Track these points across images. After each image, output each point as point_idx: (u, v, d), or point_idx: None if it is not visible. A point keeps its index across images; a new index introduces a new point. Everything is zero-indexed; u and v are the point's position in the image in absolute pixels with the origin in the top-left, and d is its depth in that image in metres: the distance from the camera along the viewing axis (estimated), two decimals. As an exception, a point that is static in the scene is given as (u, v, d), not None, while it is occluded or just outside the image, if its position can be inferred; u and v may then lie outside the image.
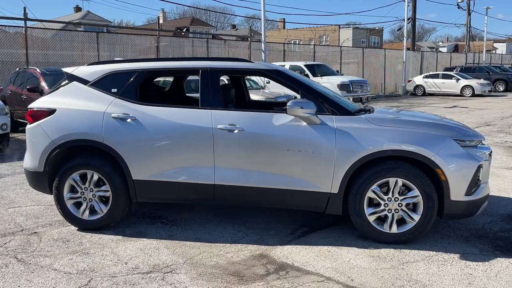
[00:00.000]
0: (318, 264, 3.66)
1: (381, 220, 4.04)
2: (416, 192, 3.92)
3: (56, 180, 4.37)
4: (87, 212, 4.39)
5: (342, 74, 19.30)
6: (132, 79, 4.39)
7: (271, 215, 4.78)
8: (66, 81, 4.53)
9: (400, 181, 3.93)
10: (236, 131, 4.10)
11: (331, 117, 4.07)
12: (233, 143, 4.12)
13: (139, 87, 4.41)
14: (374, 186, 3.97)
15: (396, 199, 3.96)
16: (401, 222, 4.01)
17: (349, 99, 15.01)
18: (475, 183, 3.95)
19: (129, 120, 4.24)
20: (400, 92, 27.85)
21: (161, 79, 9.01)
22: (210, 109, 4.21)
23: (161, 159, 4.23)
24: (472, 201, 3.95)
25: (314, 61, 21.84)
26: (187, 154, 4.19)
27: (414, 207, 3.99)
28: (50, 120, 4.38)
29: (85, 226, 4.42)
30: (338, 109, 4.11)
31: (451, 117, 5.46)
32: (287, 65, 16.51)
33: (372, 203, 4.04)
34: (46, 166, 4.39)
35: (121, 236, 4.26)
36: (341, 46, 27.03)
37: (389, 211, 3.99)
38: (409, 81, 27.00)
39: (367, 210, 4.01)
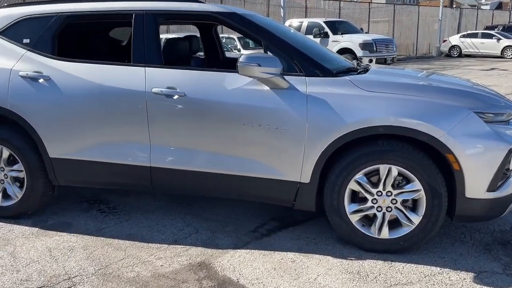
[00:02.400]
0: (272, 283, 2.66)
1: (368, 220, 2.98)
2: (416, 185, 2.81)
3: (-39, 156, 3.49)
4: (1, 194, 3.50)
5: (367, 33, 17.64)
6: (47, 26, 3.36)
7: (238, 203, 3.78)
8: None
9: (395, 170, 2.82)
10: (176, 96, 3.05)
11: (304, 78, 2.95)
12: (173, 114, 3.08)
13: (58, 37, 3.38)
14: (358, 175, 2.88)
15: (389, 194, 2.87)
16: (394, 224, 2.93)
17: (371, 60, 13.76)
18: (502, 175, 2.80)
19: (41, 80, 3.25)
20: (433, 53, 25.80)
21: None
22: (144, 66, 3.16)
23: (83, 133, 3.24)
24: (497, 199, 2.81)
25: (339, 18, 20.15)
26: (115, 127, 3.19)
27: (413, 205, 2.90)
28: None
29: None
30: (314, 67, 2.97)
31: (486, 82, 4.19)
32: (305, 22, 15.06)
33: (356, 197, 2.96)
34: None
35: (37, 229, 3.37)
36: (369, 3, 24.98)
37: (379, 209, 2.91)
38: (444, 41, 24.87)
39: (349, 207, 2.94)
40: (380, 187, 2.87)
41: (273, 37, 3.07)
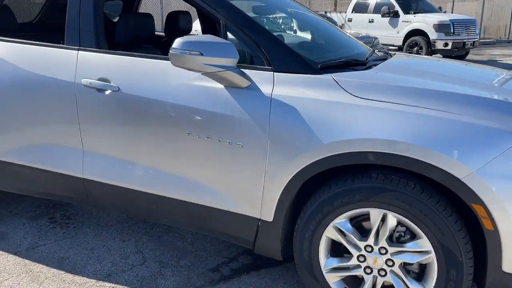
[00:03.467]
0: None
1: (354, 282, 2.07)
2: (424, 244, 1.85)
3: None
4: None
5: (445, 12, 15.63)
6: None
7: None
8: None
9: (393, 218, 1.88)
10: (108, 91, 2.31)
11: (271, 75, 2.06)
12: (105, 113, 2.35)
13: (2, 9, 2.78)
14: (339, 220, 1.97)
15: (383, 251, 1.94)
16: (390, 294, 2.00)
17: (446, 44, 12.03)
18: None
19: (-34, 63, 2.66)
20: (530, 37, 22.73)
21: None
22: (78, 49, 2.45)
23: (8, 131, 2.63)
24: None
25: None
26: (44, 126, 2.53)
27: (419, 272, 1.95)
28: None
29: None
30: (287, 58, 2.07)
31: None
32: (373, -1, 13.57)
33: (337, 249, 2.06)
34: None
35: (-33, 239, 2.85)
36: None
37: (368, 270, 1.99)
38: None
39: (326, 262, 2.05)
40: (371, 240, 1.94)
41: (233, 12, 2.18)
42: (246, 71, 2.07)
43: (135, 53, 2.31)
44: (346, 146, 1.85)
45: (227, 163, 2.10)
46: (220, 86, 2.08)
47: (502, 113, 1.80)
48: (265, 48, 2.08)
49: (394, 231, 1.93)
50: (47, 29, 3.66)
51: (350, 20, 13.99)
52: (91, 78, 2.34)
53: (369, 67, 2.25)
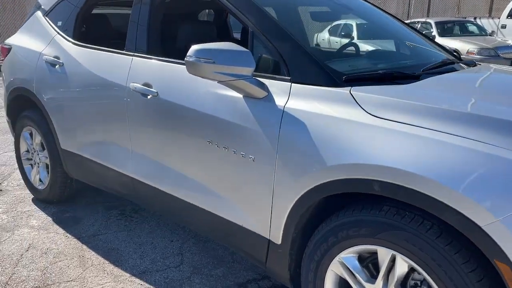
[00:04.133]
0: None
1: (363, 329, 1.79)
2: (435, 298, 1.51)
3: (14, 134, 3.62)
4: (37, 177, 3.50)
5: None
6: (74, 8, 3.10)
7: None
8: (33, 11, 3.57)
9: (403, 262, 1.57)
10: (149, 96, 2.39)
11: (288, 85, 1.90)
12: (146, 117, 2.44)
13: (81, 20, 3.09)
14: (345, 255, 1.72)
15: (392, 299, 1.63)
16: None
17: None
18: None
19: (57, 66, 3.02)
20: None
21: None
22: (132, 55, 2.59)
23: (82, 127, 2.90)
24: None
25: None
26: (105, 125, 2.74)
27: (433, 333, 1.59)
28: (6, 60, 3.56)
29: (36, 195, 3.57)
30: (307, 68, 1.88)
31: None
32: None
33: (345, 287, 1.80)
34: (7, 115, 3.66)
35: (49, 219, 3.23)
36: None
37: (376, 318, 1.70)
38: None
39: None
40: (378, 284, 1.65)
41: (261, 19, 2.05)
42: (266, 81, 1.95)
43: (174, 60, 2.35)
44: (350, 171, 1.60)
45: (240, 176, 2.00)
46: (239, 95, 1.99)
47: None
48: (285, 57, 1.92)
49: (409, 277, 1.61)
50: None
51: (504, 26, 12.38)
52: (137, 82, 2.45)
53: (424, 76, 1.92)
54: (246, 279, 2.52)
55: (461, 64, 2.41)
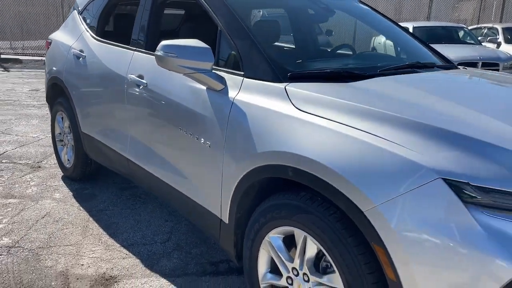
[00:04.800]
0: (121, 332, 2.08)
1: (288, 305, 1.94)
2: (336, 279, 1.63)
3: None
4: (66, 157, 3.96)
5: None
6: (99, 7, 3.49)
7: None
8: (72, 9, 4.03)
9: (312, 243, 1.70)
10: (141, 86, 2.69)
11: (240, 80, 2.09)
12: (139, 105, 2.74)
13: (104, 18, 3.46)
14: (272, 234, 1.88)
15: (306, 278, 1.77)
16: (313, 328, 1.80)
17: None
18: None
19: (80, 59, 3.42)
20: None
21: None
22: (134, 49, 2.90)
23: (95, 113, 3.28)
24: None
25: None
26: (109, 111, 3.08)
27: (337, 311, 1.71)
28: (47, 52, 4.05)
29: (64, 173, 4.03)
30: (257, 64, 2.05)
31: None
32: None
33: (273, 265, 1.96)
34: (47, 101, 4.15)
35: (70, 193, 3.66)
36: None
37: (297, 296, 1.84)
38: None
39: (263, 276, 1.98)
40: (296, 263, 1.80)
41: (227, 18, 2.25)
42: (225, 75, 2.15)
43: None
44: (271, 158, 1.77)
45: (201, 160, 2.22)
46: (203, 87, 2.21)
47: (439, 145, 1.44)
48: (242, 54, 2.12)
49: (322, 259, 1.74)
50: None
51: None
52: (134, 74, 2.75)
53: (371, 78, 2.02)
54: (220, 259, 2.73)
55: (438, 67, 2.46)
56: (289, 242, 1.85)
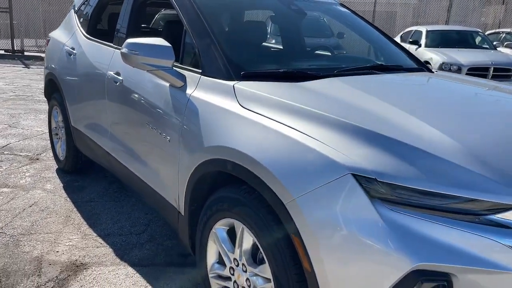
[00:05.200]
0: (79, 315, 2.19)
1: (233, 295, 2.01)
2: (266, 270, 1.70)
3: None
4: (59, 150, 4.12)
5: None
6: (91, 7, 3.63)
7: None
8: (70, 8, 4.19)
9: (249, 235, 1.78)
10: (118, 83, 2.80)
11: (198, 77, 2.18)
12: (116, 100, 2.85)
13: (96, 16, 3.60)
14: (218, 226, 1.96)
15: (244, 268, 1.84)
16: (251, 317, 1.87)
17: None
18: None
19: (71, 55, 3.57)
20: None
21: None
22: (115, 47, 3.01)
23: (82, 108, 3.41)
24: None
25: None
26: (93, 107, 3.21)
27: (270, 301, 1.77)
28: (46, 49, 4.23)
29: (58, 165, 4.19)
30: (213, 63, 2.14)
31: None
32: None
33: (221, 256, 2.04)
34: (45, 96, 4.32)
35: (61, 185, 3.81)
36: None
37: (235, 285, 1.91)
38: None
39: (211, 266, 2.06)
40: (236, 254, 1.87)
41: (192, 18, 2.34)
42: (186, 72, 2.24)
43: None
44: (215, 152, 1.85)
45: (162, 154, 2.32)
46: (167, 84, 2.30)
47: (356, 143, 1.50)
48: (201, 53, 2.21)
49: (250, 250, 1.81)
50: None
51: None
52: (112, 71, 2.87)
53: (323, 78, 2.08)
54: (189, 252, 2.82)
55: (405, 69, 2.50)
56: (233, 234, 1.92)
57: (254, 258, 1.82)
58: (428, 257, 1.29)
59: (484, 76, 8.73)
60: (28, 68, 12.36)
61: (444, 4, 15.37)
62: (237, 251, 1.86)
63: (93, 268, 2.60)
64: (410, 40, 10.88)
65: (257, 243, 1.71)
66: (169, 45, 2.19)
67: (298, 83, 2.01)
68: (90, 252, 2.77)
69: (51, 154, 4.56)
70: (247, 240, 1.79)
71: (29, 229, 3.03)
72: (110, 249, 2.82)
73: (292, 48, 2.75)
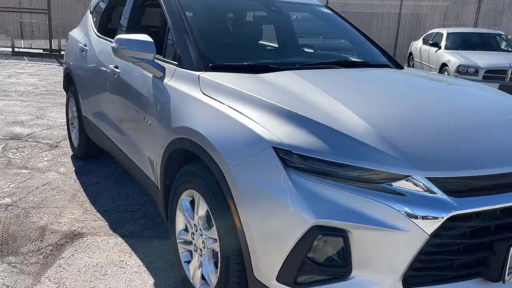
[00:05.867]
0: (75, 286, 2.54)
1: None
2: (214, 232, 1.98)
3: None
4: (74, 137, 4.53)
5: None
6: (103, 7, 4.01)
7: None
8: (88, 9, 4.60)
9: (203, 202, 2.07)
10: (116, 75, 3.15)
11: (174, 69, 2.49)
12: (114, 90, 3.20)
13: (107, 16, 3.98)
14: (183, 197, 2.26)
15: (201, 233, 2.14)
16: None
17: None
18: (307, 265, 1.60)
19: (84, 52, 3.97)
20: None
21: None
22: (117, 44, 3.37)
23: (91, 98, 3.79)
24: (296, 301, 1.65)
25: None
26: (98, 97, 3.58)
27: (216, 260, 2.05)
28: (66, 46, 4.65)
29: (73, 152, 4.61)
30: (186, 56, 2.44)
31: None
32: None
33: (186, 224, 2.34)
34: (63, 89, 4.76)
35: (73, 169, 4.21)
36: None
37: (195, 248, 2.21)
38: None
39: (178, 233, 2.36)
40: (196, 220, 2.17)
41: (174, 17, 2.66)
42: (166, 65, 2.56)
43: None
44: (180, 131, 2.15)
45: (144, 136, 2.65)
46: (150, 75, 2.63)
47: (282, 122, 1.76)
48: (179, 48, 2.52)
49: (205, 216, 2.09)
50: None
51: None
52: (112, 64, 3.23)
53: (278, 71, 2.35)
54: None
55: (371, 66, 2.74)
56: (194, 203, 2.22)
57: (209, 223, 2.10)
58: (326, 215, 1.55)
59: (502, 79, 8.69)
60: (62, 66, 13.07)
61: (473, 7, 15.18)
62: (196, 217, 2.15)
63: (88, 237, 2.96)
64: (431, 42, 10.89)
65: (208, 209, 2.00)
66: (151, 40, 2.51)
67: (256, 74, 2.29)
68: (88, 224, 3.13)
69: (69, 142, 4.99)
70: (202, 207, 2.07)
71: (39, 204, 3.42)
72: (106, 223, 3.17)
73: (264, 45, 3.02)
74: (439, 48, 10.26)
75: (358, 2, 15.64)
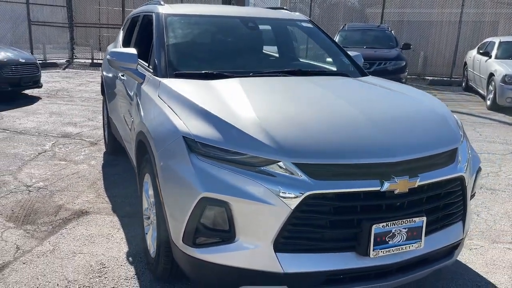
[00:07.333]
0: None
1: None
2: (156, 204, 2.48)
3: (103, 107, 5.47)
4: (106, 136, 5.27)
5: None
6: (129, 25, 4.70)
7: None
8: (122, 27, 5.33)
9: (151, 183, 2.56)
10: (122, 81, 3.78)
11: (150, 75, 3.04)
12: (121, 94, 3.83)
13: (129, 32, 4.65)
14: (145, 180, 2.77)
15: (152, 208, 2.63)
16: (156, 243, 2.65)
17: None
18: (201, 229, 2.04)
19: (110, 62, 4.67)
20: None
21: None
22: (129, 55, 4.01)
23: (111, 101, 4.47)
24: (196, 258, 2.08)
25: None
26: (115, 100, 4.24)
27: (159, 229, 2.53)
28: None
29: (106, 149, 5.34)
30: (157, 65, 2.99)
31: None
32: None
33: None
34: (101, 94, 5.52)
35: (94, 162, 4.92)
36: None
37: (151, 222, 2.71)
38: None
39: (144, 210, 2.88)
40: (151, 199, 2.67)
41: (157, 35, 3.21)
42: (146, 72, 3.11)
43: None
44: (140, 127, 2.68)
45: (130, 130, 3.21)
46: (136, 82, 3.20)
47: (197, 118, 2.23)
48: (156, 59, 3.06)
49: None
50: None
51: None
52: (121, 73, 3.85)
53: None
54: (165, 211, 3.67)
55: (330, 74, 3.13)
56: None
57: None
58: (212, 189, 1.97)
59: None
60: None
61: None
62: (151, 196, 2.66)
63: (92, 215, 3.58)
64: (481, 51, 10.58)
65: (152, 186, 2.50)
66: (135, 53, 3.08)
67: (209, 81, 2.76)
68: (95, 206, 3.76)
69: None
70: (151, 187, 2.58)
71: (64, 188, 4.13)
72: (110, 205, 3.78)
73: (232, 56, 3.46)
74: (490, 57, 9.96)
75: (416, 11, 15.43)
